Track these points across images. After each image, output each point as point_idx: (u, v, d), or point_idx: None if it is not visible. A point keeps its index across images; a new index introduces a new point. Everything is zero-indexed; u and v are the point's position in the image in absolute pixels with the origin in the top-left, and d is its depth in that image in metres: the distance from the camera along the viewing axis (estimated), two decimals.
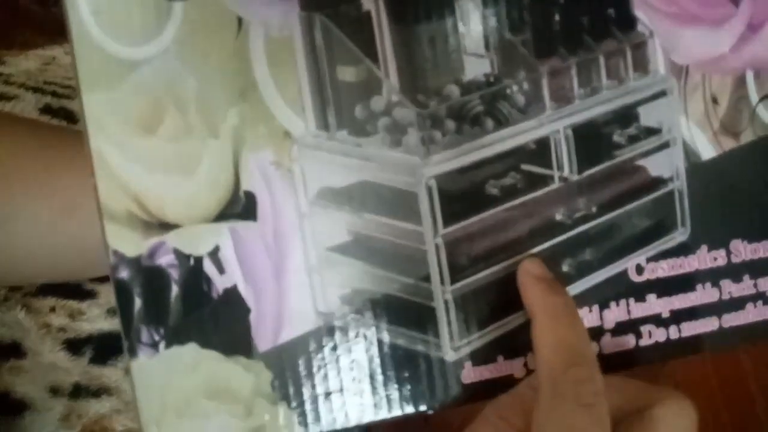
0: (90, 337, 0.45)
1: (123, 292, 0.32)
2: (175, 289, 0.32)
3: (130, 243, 0.32)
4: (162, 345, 0.32)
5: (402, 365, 0.33)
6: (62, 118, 0.49)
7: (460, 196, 0.34)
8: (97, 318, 0.46)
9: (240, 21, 0.32)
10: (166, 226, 0.32)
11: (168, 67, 0.32)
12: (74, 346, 0.45)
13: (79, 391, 0.44)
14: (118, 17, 0.32)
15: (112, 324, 0.46)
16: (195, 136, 0.32)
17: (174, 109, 0.32)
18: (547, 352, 0.32)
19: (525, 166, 0.35)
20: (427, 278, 0.34)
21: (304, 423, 0.33)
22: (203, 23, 0.32)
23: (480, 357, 0.34)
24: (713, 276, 0.37)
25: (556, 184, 0.35)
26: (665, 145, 0.36)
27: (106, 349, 0.46)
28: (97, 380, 0.44)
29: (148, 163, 0.32)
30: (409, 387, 0.34)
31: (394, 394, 0.34)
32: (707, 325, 0.37)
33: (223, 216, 0.33)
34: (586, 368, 0.32)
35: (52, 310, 0.47)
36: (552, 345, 0.33)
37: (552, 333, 0.33)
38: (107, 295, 0.47)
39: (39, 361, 0.42)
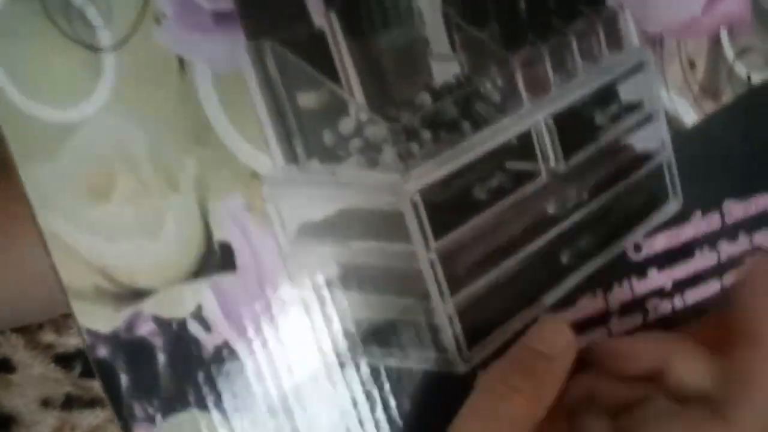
0: (78, 351, 0.37)
1: (105, 371, 0.20)
2: (162, 358, 0.20)
3: (103, 319, 0.20)
4: (158, 417, 0.19)
5: (415, 388, 0.20)
6: None
7: (448, 206, 0.22)
8: None
9: (181, 62, 0.18)
10: (139, 294, 0.20)
11: (109, 125, 0.19)
12: (64, 360, 0.37)
13: (71, 402, 0.34)
14: (40, 79, 0.18)
15: None
16: (153, 194, 0.20)
17: (125, 170, 0.19)
18: (761, 404, 0.20)
19: (510, 164, 0.22)
20: (426, 296, 0.25)
21: None
22: (140, 71, 0.20)
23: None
24: (710, 239, 0.28)
25: (544, 178, 0.22)
26: (648, 119, 0.23)
27: None
28: (90, 391, 0.33)
29: (108, 231, 0.20)
30: (425, 409, 0.21)
31: (413, 422, 0.21)
32: (710, 288, 0.28)
33: (200, 272, 0.20)
34: None
35: (40, 327, 0.37)
36: None
37: None
38: None
39: (29, 374, 0.31)
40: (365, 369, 0.25)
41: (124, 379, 0.23)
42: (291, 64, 0.23)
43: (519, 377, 0.22)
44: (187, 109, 0.23)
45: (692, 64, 0.27)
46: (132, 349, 0.23)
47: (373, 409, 0.25)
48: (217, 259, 0.24)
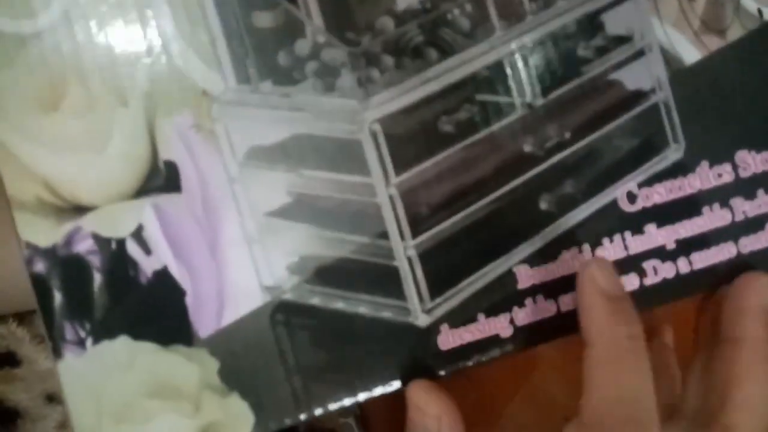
0: None
1: (41, 286, 0.19)
2: (98, 278, 0.19)
3: (42, 232, 0.19)
4: (89, 341, 0.19)
5: (366, 337, 0.18)
6: None
7: (410, 139, 0.20)
8: None
9: None
10: (81, 210, 0.19)
11: (63, 37, 0.18)
12: None
13: None
14: None
15: None
16: (102, 107, 0.19)
17: (75, 82, 0.19)
18: (601, 398, 0.20)
19: (480, 96, 0.20)
20: (384, 235, 0.23)
21: (261, 414, 0.18)
22: None
23: (457, 318, 0.20)
24: (721, 195, 0.25)
25: (519, 112, 0.20)
26: (639, 54, 0.21)
27: None
28: None
29: (54, 143, 0.19)
30: (378, 362, 0.18)
31: (362, 372, 0.18)
32: (723, 252, 0.21)
33: (143, 191, 0.19)
34: (642, 428, 0.20)
35: None
36: (609, 391, 0.20)
37: (611, 377, 0.20)
38: None
39: (34, 369, 0.30)
40: (314, 310, 0.23)
41: (57, 297, 0.22)
42: None
43: None
44: (141, 23, 0.23)
45: None
46: (68, 265, 0.22)
47: (318, 359, 0.22)
48: (161, 178, 0.23)
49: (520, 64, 0.24)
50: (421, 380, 0.22)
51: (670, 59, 0.25)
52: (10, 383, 0.36)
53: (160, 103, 0.23)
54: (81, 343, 0.22)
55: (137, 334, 0.22)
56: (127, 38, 0.23)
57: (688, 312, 0.25)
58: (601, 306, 0.21)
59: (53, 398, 0.35)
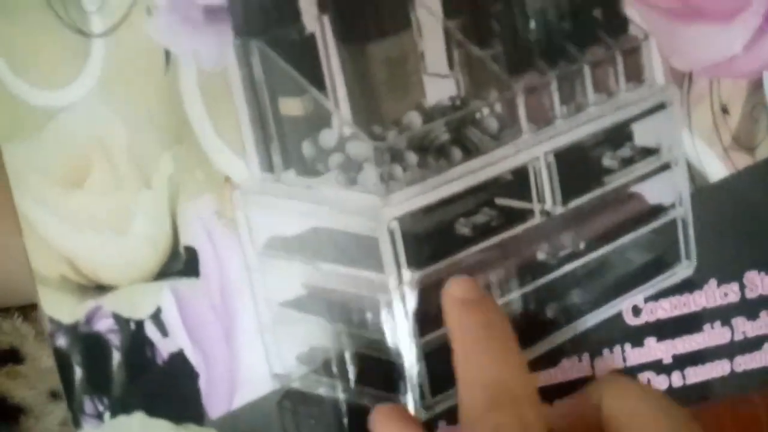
0: None
1: (63, 360, 0.22)
2: (116, 356, 0.21)
3: (65, 309, 0.21)
4: (107, 415, 0.20)
5: (368, 429, 0.20)
6: None
7: (426, 238, 0.22)
8: None
9: (168, 55, 0.19)
10: (102, 289, 0.20)
11: (91, 112, 0.20)
12: None
13: None
14: (31, 59, 0.19)
15: None
16: (126, 188, 0.20)
17: (101, 159, 0.20)
18: (467, 391, 0.20)
19: (500, 201, 0.21)
20: (392, 333, 0.24)
21: None
22: (127, 60, 0.20)
23: (455, 416, 0.20)
24: (724, 314, 0.26)
25: (537, 219, 0.21)
26: (665, 167, 0.22)
27: None
28: None
29: (77, 220, 0.20)
30: None
31: None
32: (716, 369, 0.25)
33: (163, 274, 0.20)
34: (509, 410, 0.20)
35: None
36: (470, 382, 0.20)
37: (472, 366, 0.21)
38: None
39: (38, 366, 0.32)
40: (320, 400, 0.24)
41: (78, 372, 0.24)
42: (277, 66, 0.23)
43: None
44: (168, 105, 0.23)
45: (725, 110, 0.25)
46: (90, 343, 0.24)
47: None
48: (181, 262, 0.24)
49: (543, 170, 0.24)
50: (388, 405, 0.22)
51: (695, 174, 0.25)
52: (13, 380, 0.38)
53: (183, 187, 0.24)
54: (99, 416, 0.24)
55: (152, 411, 0.24)
56: (156, 119, 0.23)
57: None
58: (456, 307, 0.21)
59: (57, 395, 0.36)
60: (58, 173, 0.23)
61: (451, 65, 0.24)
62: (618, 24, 0.24)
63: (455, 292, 0.22)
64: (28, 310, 0.39)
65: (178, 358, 0.24)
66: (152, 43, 0.23)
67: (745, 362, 0.25)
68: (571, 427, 0.22)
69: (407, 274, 0.23)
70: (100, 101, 0.23)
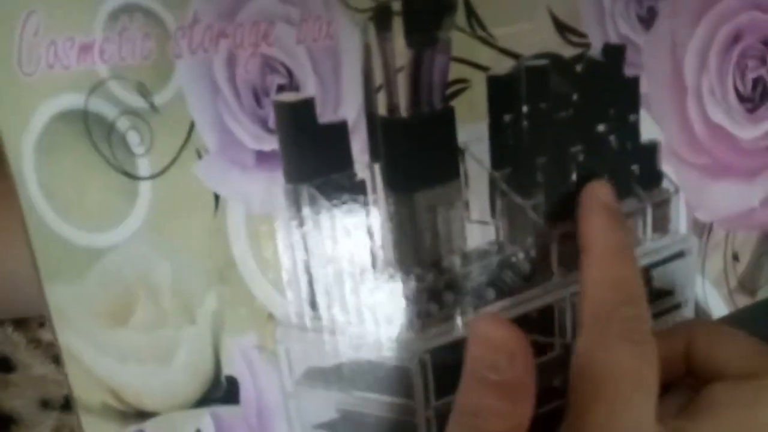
0: None
1: None
2: None
3: None
4: None
5: None
6: None
7: (454, 367, 0.22)
8: None
9: (216, 197, 0.19)
10: (143, 415, 0.21)
11: (137, 253, 0.20)
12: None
13: (70, 404, 0.34)
14: (75, 201, 0.19)
15: None
16: (170, 324, 0.21)
17: (146, 299, 0.20)
18: (599, 290, 0.22)
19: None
20: None
21: None
22: (175, 203, 0.20)
23: None
24: None
25: (556, 352, 0.23)
26: (676, 307, 0.23)
27: None
28: None
29: (120, 354, 0.21)
30: None
31: None
32: None
33: (203, 401, 0.22)
34: (639, 308, 0.22)
35: (41, 325, 0.38)
36: (606, 282, 0.22)
37: (608, 270, 0.23)
38: None
39: (29, 374, 0.32)
40: None
41: None
42: (325, 210, 0.24)
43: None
44: (215, 246, 0.24)
45: (736, 257, 0.27)
46: None
47: None
48: (222, 391, 0.25)
49: (568, 309, 0.27)
50: (491, 313, 0.23)
51: (700, 312, 0.28)
52: (4, 389, 0.38)
53: (227, 323, 0.25)
54: None
55: None
56: (201, 259, 0.24)
57: None
58: (602, 215, 0.23)
59: (48, 404, 0.37)
60: (102, 312, 0.24)
61: (493, 213, 0.25)
62: (653, 178, 0.26)
63: (603, 195, 0.23)
64: (21, 321, 0.39)
65: None
66: (201, 185, 0.23)
67: None
68: None
69: (434, 400, 0.25)
70: (147, 241, 0.23)
